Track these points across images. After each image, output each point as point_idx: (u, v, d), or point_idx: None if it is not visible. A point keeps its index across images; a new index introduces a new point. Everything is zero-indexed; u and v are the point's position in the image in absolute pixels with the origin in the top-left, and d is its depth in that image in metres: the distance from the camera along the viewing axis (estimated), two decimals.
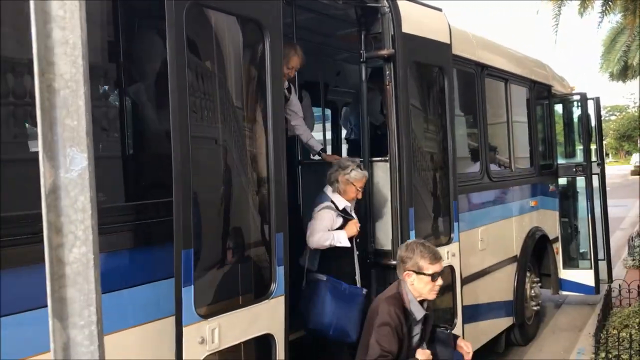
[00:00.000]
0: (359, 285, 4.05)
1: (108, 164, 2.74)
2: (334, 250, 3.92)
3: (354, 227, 3.96)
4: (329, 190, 4.05)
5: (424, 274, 3.55)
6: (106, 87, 2.85)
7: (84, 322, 1.15)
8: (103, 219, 2.37)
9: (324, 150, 4.90)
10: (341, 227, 3.94)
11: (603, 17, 13.72)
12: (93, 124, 2.21)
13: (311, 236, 3.89)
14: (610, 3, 13.36)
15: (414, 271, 3.56)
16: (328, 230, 3.91)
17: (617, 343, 5.49)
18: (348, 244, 3.92)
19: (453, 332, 4.08)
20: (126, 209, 2.63)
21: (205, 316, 2.66)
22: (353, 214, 4.04)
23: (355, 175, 3.97)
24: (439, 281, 3.60)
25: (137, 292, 2.54)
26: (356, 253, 4.06)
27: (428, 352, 3.57)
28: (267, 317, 3.01)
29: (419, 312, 3.60)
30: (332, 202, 3.99)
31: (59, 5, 1.15)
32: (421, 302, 3.62)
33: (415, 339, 3.64)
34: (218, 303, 2.84)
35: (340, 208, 3.98)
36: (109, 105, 2.86)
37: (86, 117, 1.16)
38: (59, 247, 1.14)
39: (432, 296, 3.62)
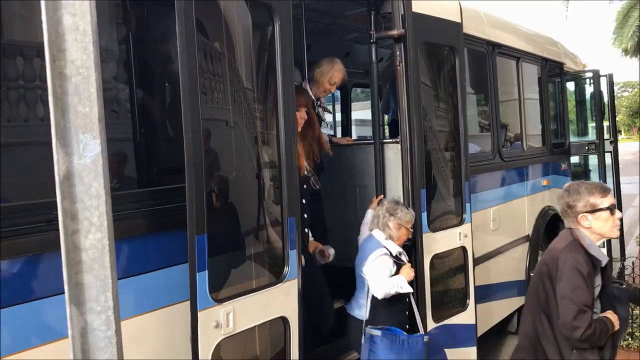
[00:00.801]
0: (420, 325, 3.93)
1: (118, 149, 2.74)
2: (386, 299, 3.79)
3: (410, 271, 3.85)
4: (380, 236, 3.89)
5: (600, 209, 3.14)
6: (117, 72, 2.84)
7: (101, 308, 1.16)
8: (117, 206, 2.41)
9: (333, 135, 4.89)
10: (396, 273, 3.81)
11: None
12: (104, 109, 2.21)
13: (377, 286, 3.74)
14: None
15: (588, 212, 3.15)
16: (389, 277, 3.78)
17: (631, 321, 5.48)
18: (410, 289, 3.83)
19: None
20: (139, 195, 2.63)
21: (220, 300, 2.67)
22: (404, 258, 3.92)
23: (405, 216, 3.86)
24: (618, 214, 3.22)
25: (153, 278, 2.56)
26: (412, 294, 3.92)
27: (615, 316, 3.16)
28: (280, 300, 3.02)
29: (603, 257, 3.16)
30: (386, 248, 3.84)
31: None
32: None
33: (597, 290, 3.17)
34: (232, 287, 2.85)
35: (394, 254, 3.85)
36: (120, 89, 2.85)
37: (98, 104, 1.15)
38: (74, 234, 1.15)
39: (615, 233, 3.25)
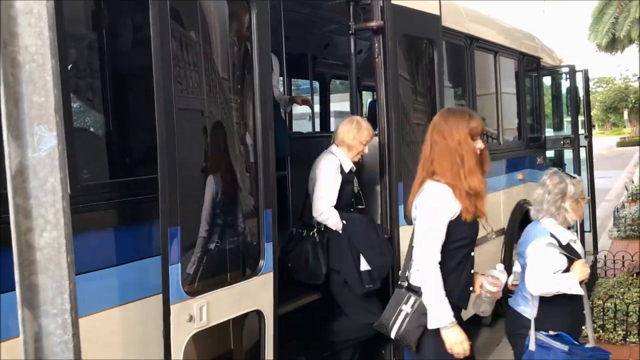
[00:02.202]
0: (591, 339, 3.45)
1: (88, 139, 2.67)
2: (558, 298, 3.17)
3: (584, 269, 3.18)
4: (549, 222, 3.24)
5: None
6: (86, 59, 2.76)
7: (57, 311, 1.09)
8: (87, 197, 2.36)
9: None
10: (566, 270, 3.17)
11: None
12: (74, 97, 2.13)
13: (535, 282, 3.13)
14: None
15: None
16: (554, 273, 3.14)
17: (602, 313, 5.57)
18: (582, 291, 3.17)
19: None
20: (111, 186, 2.57)
21: (193, 294, 2.63)
22: (578, 249, 3.29)
23: (578, 188, 3.25)
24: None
25: (124, 270, 2.50)
26: (587, 299, 3.36)
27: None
28: (255, 293, 2.99)
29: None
30: (554, 236, 3.19)
31: None
32: None
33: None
34: (206, 280, 2.81)
35: (565, 243, 3.21)
36: (91, 77, 2.77)
37: (54, 93, 1.08)
38: (28, 232, 1.08)
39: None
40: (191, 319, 2.61)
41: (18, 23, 1.03)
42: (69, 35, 2.43)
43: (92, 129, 2.90)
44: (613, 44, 25.12)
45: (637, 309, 5.55)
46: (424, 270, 2.81)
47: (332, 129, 7.82)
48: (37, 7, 1.03)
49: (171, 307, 2.52)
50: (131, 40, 2.95)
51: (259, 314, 3.02)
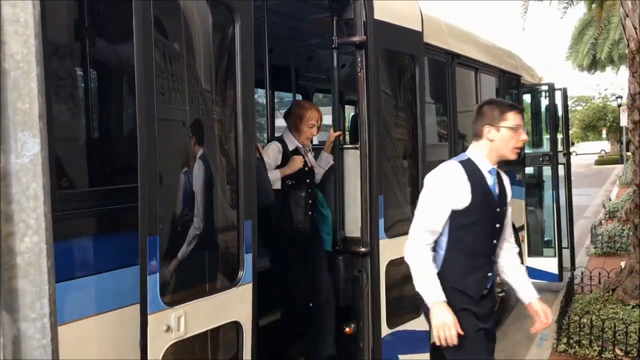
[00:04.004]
0: None
1: (70, 147, 2.66)
2: None
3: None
4: None
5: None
6: (69, 67, 2.76)
7: (36, 315, 1.09)
8: (65, 205, 2.35)
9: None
10: None
11: (567, 9, 13.91)
12: (56, 105, 2.13)
13: None
14: None
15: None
16: None
17: (578, 329, 5.64)
18: None
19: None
20: (90, 194, 2.56)
21: (171, 304, 2.62)
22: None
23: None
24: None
25: (101, 280, 2.49)
26: None
27: None
28: (234, 304, 2.98)
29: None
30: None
31: None
32: None
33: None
34: (184, 291, 2.80)
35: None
36: (73, 86, 2.77)
37: (39, 100, 1.09)
38: (9, 236, 1.08)
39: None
40: (169, 329, 2.59)
41: (5, 31, 1.04)
42: (51, 42, 2.43)
43: (72, 137, 2.89)
44: (594, 65, 25.59)
45: (613, 325, 5.63)
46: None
47: (315, 142, 7.84)
48: (24, 15, 1.04)
49: (148, 317, 2.50)
50: (113, 49, 2.95)
51: (237, 325, 3.01)
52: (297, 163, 4.24)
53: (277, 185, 4.10)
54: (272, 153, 4.27)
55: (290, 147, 4.36)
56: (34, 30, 1.05)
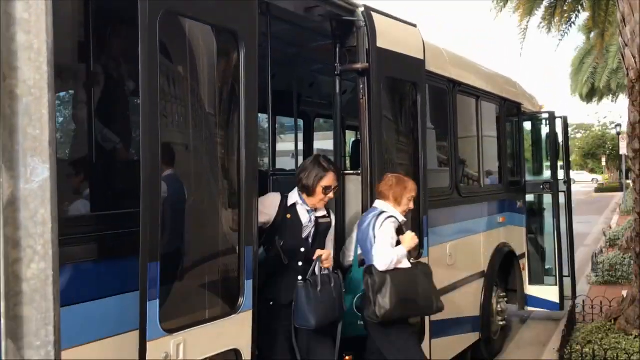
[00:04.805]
0: None
1: (72, 171, 2.66)
2: None
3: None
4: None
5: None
6: (74, 92, 2.77)
7: (40, 343, 1.08)
8: (66, 230, 2.33)
9: None
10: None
11: (563, 38, 14.07)
12: (59, 129, 2.13)
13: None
14: (573, 23, 13.70)
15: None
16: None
17: (580, 359, 5.56)
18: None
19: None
20: (90, 219, 2.55)
21: (170, 331, 2.59)
22: None
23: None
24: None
25: (102, 305, 2.46)
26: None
27: None
28: (234, 332, 2.95)
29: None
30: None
31: (23, 8, 1.10)
32: None
33: None
34: (184, 317, 2.77)
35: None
36: (77, 110, 2.78)
37: (49, 126, 1.09)
38: (16, 263, 1.07)
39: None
40: (167, 356, 2.56)
41: (18, 57, 1.05)
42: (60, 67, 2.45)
43: (74, 161, 2.89)
44: (593, 93, 25.76)
45: (615, 355, 5.56)
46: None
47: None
48: (37, 42, 1.05)
49: (147, 344, 2.48)
50: (118, 73, 2.96)
51: (236, 353, 2.98)
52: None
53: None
54: None
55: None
56: (47, 57, 1.06)
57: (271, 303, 3.61)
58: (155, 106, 2.51)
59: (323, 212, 3.83)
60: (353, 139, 7.62)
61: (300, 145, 7.13)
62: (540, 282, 7.53)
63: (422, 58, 4.68)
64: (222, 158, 3.13)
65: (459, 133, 5.68)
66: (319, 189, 3.71)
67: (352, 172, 4.38)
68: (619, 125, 27.35)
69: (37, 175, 1.08)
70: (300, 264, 3.66)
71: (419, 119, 4.63)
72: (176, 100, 2.81)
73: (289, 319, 3.57)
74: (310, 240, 3.75)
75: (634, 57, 6.34)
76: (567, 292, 7.54)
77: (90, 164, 2.78)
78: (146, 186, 2.45)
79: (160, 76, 2.56)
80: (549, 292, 7.39)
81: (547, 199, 7.68)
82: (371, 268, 3.75)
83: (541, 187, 7.60)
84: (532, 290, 7.35)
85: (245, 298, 2.99)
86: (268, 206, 3.67)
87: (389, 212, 3.88)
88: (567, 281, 7.56)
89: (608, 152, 50.14)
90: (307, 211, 3.74)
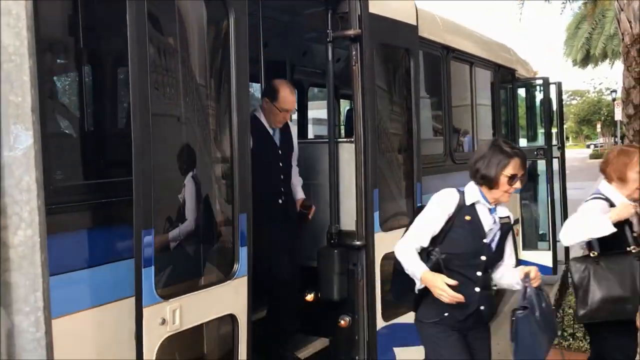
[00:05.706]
0: None
1: (63, 140, 2.66)
2: None
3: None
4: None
5: None
6: (64, 61, 2.75)
7: (30, 308, 1.09)
8: (60, 198, 2.34)
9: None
10: None
11: (565, 5, 13.93)
12: (50, 99, 2.13)
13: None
14: None
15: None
16: None
17: (572, 321, 5.66)
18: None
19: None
20: (85, 187, 2.56)
21: (166, 297, 2.62)
22: None
23: None
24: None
25: (98, 273, 2.49)
26: None
27: None
28: (229, 297, 2.99)
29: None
30: None
31: None
32: None
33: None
34: (179, 284, 2.81)
35: None
36: (68, 79, 2.77)
37: (32, 93, 1.08)
38: (2, 230, 1.07)
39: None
40: (164, 322, 2.60)
41: None
42: (45, 35, 2.42)
43: (66, 131, 2.89)
44: (587, 59, 25.61)
45: None
46: None
47: (310, 136, 7.85)
48: (16, 7, 1.02)
49: (144, 310, 2.51)
50: (108, 43, 2.94)
51: (232, 318, 3.02)
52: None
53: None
54: None
55: None
56: (27, 23, 1.04)
57: (445, 314, 3.21)
58: (145, 76, 2.50)
59: (505, 212, 3.29)
60: (347, 108, 7.60)
61: (295, 115, 7.11)
62: (534, 247, 7.62)
63: (415, 24, 4.63)
64: (214, 128, 3.12)
65: (453, 100, 5.66)
66: (503, 179, 3.12)
67: (345, 139, 4.38)
68: (615, 91, 27.31)
69: (20, 142, 1.07)
70: (479, 274, 3.19)
71: (412, 85, 4.61)
72: (166, 69, 2.79)
73: (462, 332, 3.29)
74: (493, 246, 3.22)
75: (629, 22, 6.31)
76: (560, 256, 7.63)
77: (84, 134, 2.78)
78: (138, 154, 2.45)
79: (149, 45, 2.54)
80: (542, 257, 7.47)
81: (542, 165, 7.71)
82: None
83: (535, 153, 7.62)
84: (526, 255, 7.43)
85: (240, 264, 3.02)
86: (450, 206, 3.18)
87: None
88: (560, 246, 7.64)
89: (603, 118, 50.10)
90: (490, 210, 3.21)
